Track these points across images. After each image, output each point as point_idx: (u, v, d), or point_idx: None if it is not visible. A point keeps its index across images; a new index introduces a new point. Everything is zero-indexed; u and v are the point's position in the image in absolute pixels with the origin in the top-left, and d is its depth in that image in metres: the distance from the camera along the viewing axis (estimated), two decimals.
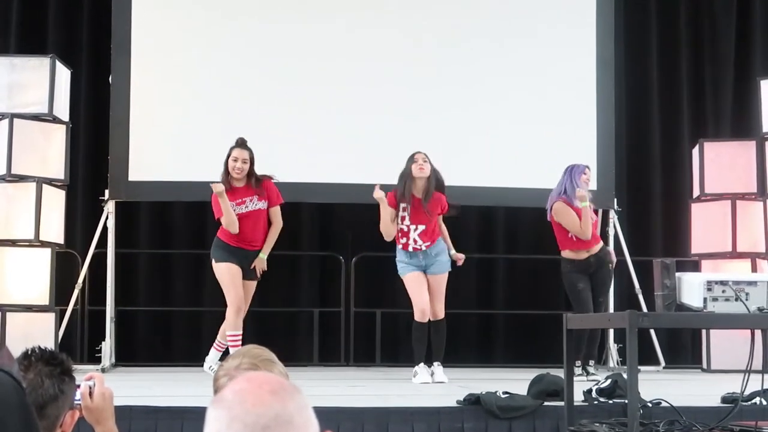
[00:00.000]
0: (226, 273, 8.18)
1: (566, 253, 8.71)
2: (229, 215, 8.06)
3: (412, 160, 8.23)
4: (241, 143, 8.23)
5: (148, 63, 9.95)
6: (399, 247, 8.27)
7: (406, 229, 8.22)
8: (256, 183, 8.18)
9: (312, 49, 10.11)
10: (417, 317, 8.16)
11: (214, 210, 8.20)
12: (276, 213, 8.31)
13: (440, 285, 8.25)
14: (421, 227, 8.19)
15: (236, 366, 3.06)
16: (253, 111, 9.91)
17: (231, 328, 8.11)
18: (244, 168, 8.15)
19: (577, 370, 8.32)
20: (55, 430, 2.73)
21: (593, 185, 9.57)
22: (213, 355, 8.36)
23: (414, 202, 8.19)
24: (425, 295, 8.17)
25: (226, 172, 8.17)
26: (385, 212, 8.20)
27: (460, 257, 8.43)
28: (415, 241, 8.19)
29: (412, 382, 7.95)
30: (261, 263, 8.20)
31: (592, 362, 8.68)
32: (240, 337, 8.12)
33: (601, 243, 8.89)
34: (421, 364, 8.13)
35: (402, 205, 8.19)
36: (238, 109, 9.87)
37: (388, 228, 8.22)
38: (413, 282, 8.22)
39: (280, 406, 1.83)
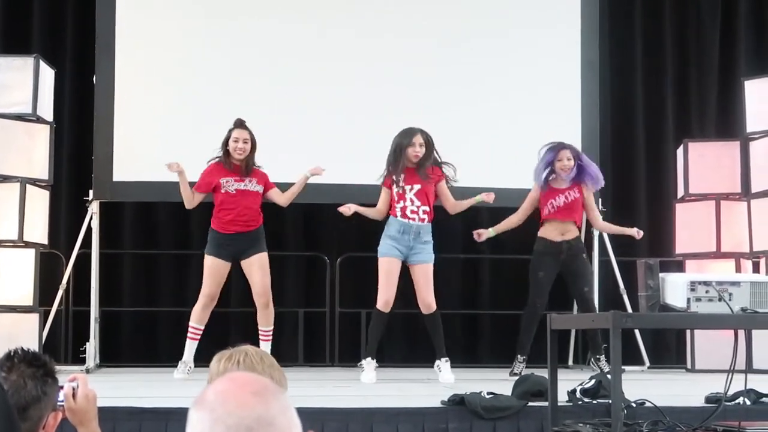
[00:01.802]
0: (209, 266, 8.22)
1: (541, 231, 8.83)
2: (186, 195, 8.18)
3: (409, 142, 8.09)
4: (240, 123, 8.25)
5: (133, 63, 9.93)
6: (390, 218, 8.10)
7: (401, 191, 8.08)
8: (251, 167, 8.21)
9: (301, 50, 10.11)
10: (380, 306, 8.02)
11: (200, 182, 8.25)
12: (277, 191, 8.42)
13: (428, 274, 8.09)
14: (417, 186, 8.05)
15: (231, 364, 3.05)
16: (239, 111, 9.85)
17: (194, 320, 8.20)
18: (245, 148, 8.17)
19: (601, 366, 8.43)
20: None
21: None
22: (263, 347, 8.29)
23: (408, 169, 8.10)
24: (394, 287, 8.02)
25: (226, 153, 8.14)
26: (369, 213, 8.20)
27: (490, 196, 8.33)
28: (411, 202, 8.03)
29: (360, 380, 7.93)
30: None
31: (602, 357, 8.76)
32: (200, 331, 8.27)
33: (578, 232, 8.91)
34: (369, 359, 8.05)
35: (395, 175, 8.10)
36: (223, 109, 9.83)
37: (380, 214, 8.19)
38: (388, 269, 8.02)
39: (262, 407, 1.82)
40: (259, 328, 8.32)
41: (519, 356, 8.80)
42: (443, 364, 8.04)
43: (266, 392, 1.86)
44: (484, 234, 8.92)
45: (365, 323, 10.68)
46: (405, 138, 8.12)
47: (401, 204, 8.06)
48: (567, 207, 8.80)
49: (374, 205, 8.30)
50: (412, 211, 8.04)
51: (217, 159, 8.33)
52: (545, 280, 8.77)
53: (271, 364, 3.05)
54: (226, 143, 8.25)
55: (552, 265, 8.76)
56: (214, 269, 8.18)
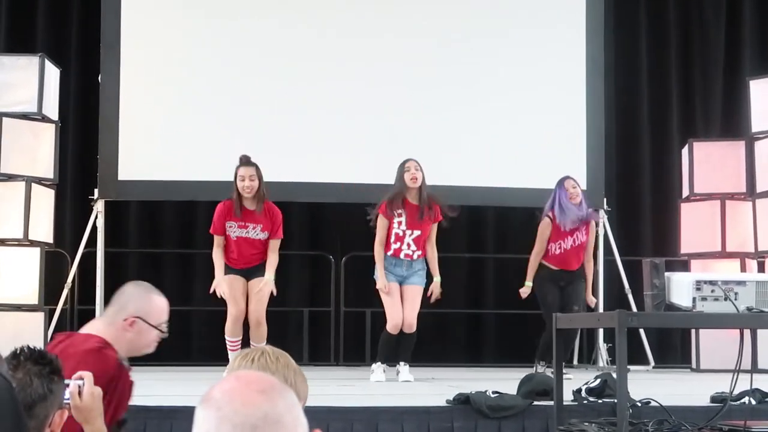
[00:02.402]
0: (225, 287, 8.06)
1: (544, 261, 8.81)
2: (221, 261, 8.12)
3: (403, 168, 8.13)
4: (246, 161, 8.03)
5: (138, 62, 9.94)
6: (387, 253, 8.18)
7: (401, 234, 8.13)
8: (262, 207, 7.99)
9: (302, 50, 10.11)
10: (390, 329, 8.13)
11: (214, 224, 8.15)
12: (275, 246, 8.14)
13: (417, 295, 8.19)
14: (417, 233, 8.11)
15: (246, 362, 3.06)
16: (243, 110, 9.91)
17: (229, 334, 8.08)
18: (253, 186, 7.97)
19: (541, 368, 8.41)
20: (44, 430, 2.72)
21: (582, 185, 9.58)
22: None
23: (409, 208, 8.12)
24: (400, 308, 8.10)
25: (237, 193, 8.03)
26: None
27: (436, 293, 8.27)
28: (408, 246, 8.12)
29: (369, 380, 7.98)
30: (269, 286, 8.01)
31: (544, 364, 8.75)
32: (238, 342, 8.12)
33: (581, 267, 8.89)
34: (379, 364, 8.13)
35: (398, 211, 8.10)
36: (228, 109, 9.86)
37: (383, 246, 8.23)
38: (389, 293, 8.15)
39: (269, 405, 1.82)
40: (252, 343, 8.19)
41: (542, 362, 8.72)
42: (402, 368, 8.13)
43: (272, 390, 1.86)
44: (525, 292, 8.94)
45: (370, 322, 10.69)
46: (399, 170, 8.16)
47: (397, 245, 8.14)
48: (574, 250, 8.76)
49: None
50: (407, 255, 8.15)
51: (229, 198, 8.18)
52: (555, 302, 8.74)
53: (287, 365, 3.04)
54: (234, 181, 8.04)
55: (555, 288, 8.78)
56: (231, 286, 8.11)
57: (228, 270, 8.14)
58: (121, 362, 3.75)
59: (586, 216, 8.75)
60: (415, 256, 8.15)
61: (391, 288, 8.14)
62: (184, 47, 10.09)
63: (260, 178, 8.05)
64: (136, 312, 3.84)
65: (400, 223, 8.12)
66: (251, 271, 8.12)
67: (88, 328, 3.90)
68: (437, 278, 8.26)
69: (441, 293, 8.30)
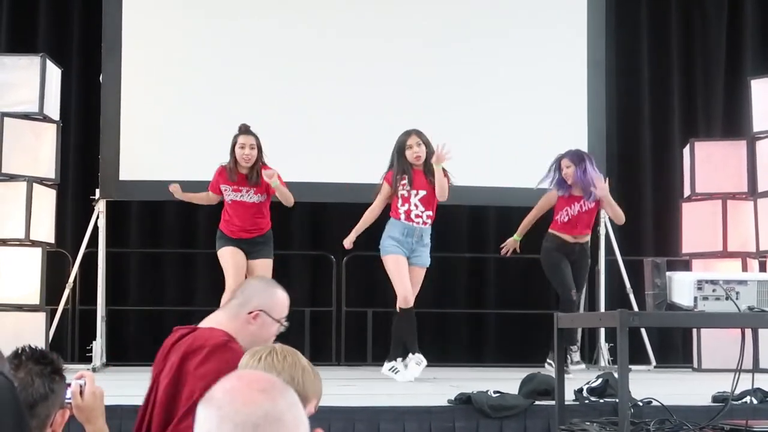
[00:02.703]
0: (225, 255, 8.12)
1: (552, 231, 8.81)
2: (196, 200, 8.32)
3: (404, 146, 8.06)
4: (245, 129, 8.15)
5: (139, 62, 9.94)
6: (393, 220, 8.06)
7: (406, 194, 8.01)
8: (256, 177, 8.06)
9: (303, 50, 10.11)
10: (402, 304, 7.96)
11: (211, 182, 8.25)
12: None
13: (420, 278, 8.12)
14: (422, 192, 8.01)
15: (253, 361, 3.07)
16: (245, 110, 9.88)
17: None
18: (252, 154, 8.05)
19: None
20: (46, 429, 2.73)
21: None
22: None
23: (414, 171, 8.05)
24: (408, 281, 7.97)
25: (234, 161, 8.09)
26: (367, 223, 8.17)
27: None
28: (416, 206, 7.99)
29: (396, 381, 7.85)
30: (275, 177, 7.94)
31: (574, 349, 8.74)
32: None
33: (589, 235, 8.91)
34: (400, 360, 8.00)
35: (399, 176, 8.02)
36: (229, 109, 9.85)
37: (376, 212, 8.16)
38: (397, 265, 7.99)
39: (270, 404, 1.83)
40: None
41: (571, 347, 8.76)
42: (399, 364, 8.00)
43: (273, 389, 1.86)
44: (510, 245, 8.90)
45: (371, 322, 10.70)
46: (401, 143, 8.11)
47: (405, 207, 8.03)
48: (582, 216, 8.74)
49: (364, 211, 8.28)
50: (417, 215, 8.03)
51: (226, 163, 8.23)
52: (567, 270, 8.72)
53: (294, 364, 3.05)
54: (233, 149, 8.15)
55: (565, 259, 8.76)
56: (231, 257, 8.06)
57: (228, 241, 8.14)
58: None
59: (588, 196, 8.72)
60: (425, 218, 8.01)
61: (398, 259, 7.99)
62: (185, 47, 10.09)
63: (259, 147, 8.11)
64: (260, 306, 3.93)
65: (404, 185, 8.02)
66: (251, 244, 8.13)
67: (210, 322, 4.00)
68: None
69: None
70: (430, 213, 8.07)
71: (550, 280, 9.00)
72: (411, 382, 7.82)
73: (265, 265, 8.21)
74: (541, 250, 8.88)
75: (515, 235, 8.99)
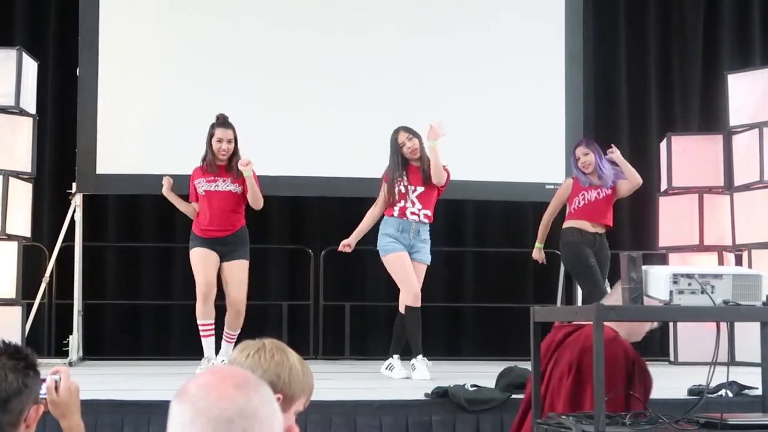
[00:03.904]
0: (195, 257, 7.93)
1: (569, 223, 8.66)
2: (181, 207, 8.09)
3: (397, 143, 7.96)
4: (223, 121, 7.97)
5: (116, 55, 9.90)
6: (386, 217, 7.93)
7: (404, 190, 7.88)
8: (234, 167, 7.90)
9: (281, 44, 10.09)
10: (410, 302, 7.73)
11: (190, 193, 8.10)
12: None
13: (422, 275, 7.96)
14: (420, 189, 7.90)
15: (242, 356, 3.06)
16: (222, 104, 9.83)
17: (199, 317, 7.87)
18: (229, 149, 7.88)
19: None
20: (19, 425, 2.71)
21: (561, 179, 9.59)
22: (225, 348, 7.98)
23: (411, 169, 7.95)
24: (415, 278, 7.81)
25: (211, 153, 7.94)
26: (369, 224, 8.08)
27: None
28: (413, 203, 7.87)
29: (393, 378, 7.76)
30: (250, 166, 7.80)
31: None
32: (211, 327, 7.94)
33: (607, 227, 8.80)
34: (396, 357, 7.90)
35: (397, 173, 7.92)
36: (206, 102, 9.81)
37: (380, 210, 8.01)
38: (401, 262, 7.82)
39: (243, 399, 1.83)
40: (226, 329, 8.01)
41: None
42: (395, 361, 7.89)
43: (247, 385, 1.86)
44: (538, 256, 8.82)
45: (349, 316, 10.69)
46: (393, 142, 8.01)
47: (402, 204, 7.89)
48: (600, 202, 8.66)
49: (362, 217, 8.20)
50: (413, 213, 7.90)
51: (201, 162, 8.09)
52: (596, 266, 8.51)
53: (281, 362, 3.04)
54: (209, 141, 7.99)
55: (591, 253, 8.56)
56: (201, 257, 7.87)
57: (199, 242, 7.97)
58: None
59: (606, 183, 8.64)
60: (421, 216, 7.89)
61: (400, 256, 7.82)
62: (162, 40, 10.06)
63: (236, 140, 7.99)
64: None
65: (400, 180, 7.90)
66: (224, 244, 7.94)
67: None
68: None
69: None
70: (428, 212, 7.95)
71: (576, 279, 8.86)
72: (392, 378, 7.78)
73: (240, 267, 7.98)
74: (561, 246, 8.73)
75: (537, 243, 8.79)
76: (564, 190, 8.76)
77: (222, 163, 7.95)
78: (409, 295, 7.78)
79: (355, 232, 8.13)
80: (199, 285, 7.89)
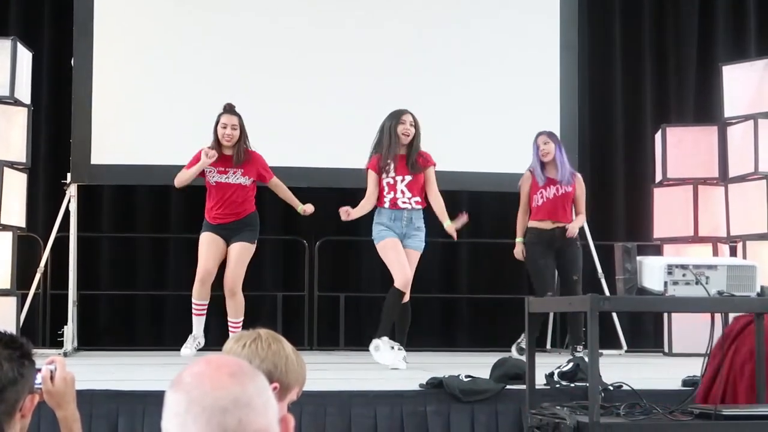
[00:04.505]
0: (201, 242, 8.04)
1: (530, 223, 8.71)
2: (184, 175, 8.01)
3: (398, 120, 7.88)
4: (229, 109, 8.01)
5: (111, 45, 9.89)
6: (379, 209, 7.88)
7: (392, 181, 7.84)
8: (243, 156, 7.95)
9: (275, 36, 10.09)
10: (399, 285, 7.71)
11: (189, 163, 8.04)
12: (276, 183, 8.24)
13: (414, 262, 7.91)
14: (408, 178, 7.85)
15: (238, 346, 3.07)
16: (217, 95, 9.82)
17: (195, 296, 8.04)
18: (234, 135, 7.92)
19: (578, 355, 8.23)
20: (15, 414, 2.72)
21: None
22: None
23: (398, 157, 7.90)
24: (407, 263, 7.77)
25: (217, 141, 7.97)
26: (364, 209, 8.04)
27: (453, 231, 7.96)
28: (402, 193, 7.82)
29: (373, 358, 7.73)
30: (309, 208, 8.18)
31: (579, 347, 8.56)
32: (204, 307, 8.10)
33: (571, 218, 8.82)
34: (386, 338, 7.81)
35: (384, 161, 7.86)
36: (202, 93, 9.82)
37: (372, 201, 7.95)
38: (393, 249, 7.79)
39: (239, 389, 1.83)
40: (228, 319, 8.09)
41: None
42: (398, 352, 7.73)
43: (242, 374, 1.86)
44: (518, 252, 8.81)
45: (344, 307, 10.70)
46: (394, 118, 7.91)
47: (391, 195, 7.85)
48: (559, 199, 8.67)
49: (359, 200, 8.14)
50: (404, 202, 7.86)
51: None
52: (548, 267, 8.60)
53: (277, 351, 3.06)
54: (216, 129, 8.00)
55: (549, 253, 8.63)
56: (206, 244, 7.97)
57: (207, 227, 8.05)
58: None
59: (563, 177, 8.68)
60: (413, 204, 7.86)
61: (392, 243, 7.79)
62: (157, 30, 10.05)
63: (242, 128, 8.01)
64: None
65: (388, 171, 7.87)
66: (233, 228, 8.02)
67: None
68: (447, 222, 7.95)
69: (465, 223, 8.06)
70: (419, 199, 7.91)
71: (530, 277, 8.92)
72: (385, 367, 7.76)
73: (241, 247, 8.02)
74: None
75: (517, 239, 8.82)
76: (525, 183, 8.78)
77: (228, 152, 7.95)
78: (399, 279, 7.76)
79: (357, 208, 8.06)
80: (199, 270, 8.04)
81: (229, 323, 8.09)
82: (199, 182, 8.27)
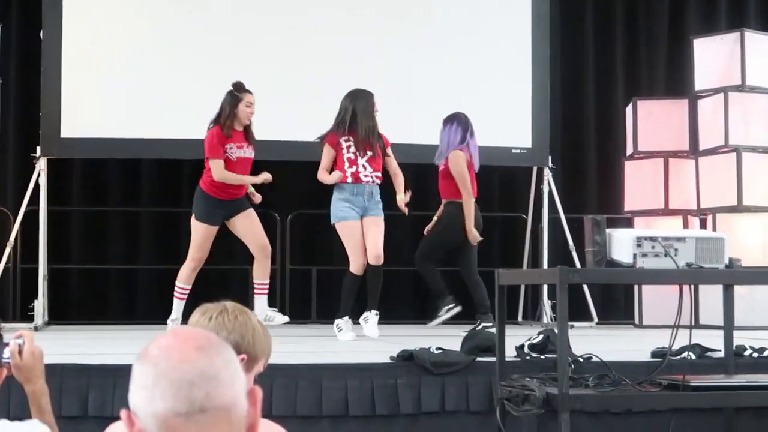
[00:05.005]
0: (200, 232, 8.06)
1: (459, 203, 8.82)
2: (233, 178, 8.02)
3: (371, 103, 7.97)
4: (245, 87, 8.11)
5: (81, 17, 9.82)
6: (341, 183, 7.90)
7: (353, 156, 7.90)
8: (249, 131, 8.10)
9: (242, 8, 10.04)
10: (355, 270, 7.87)
11: (208, 150, 7.98)
12: None
13: (381, 225, 7.97)
14: (369, 153, 7.90)
15: (204, 319, 3.07)
16: (187, 68, 9.84)
17: (182, 281, 8.10)
18: (253, 112, 8.08)
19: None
20: None
21: (527, 143, 9.67)
22: (259, 302, 8.25)
23: (355, 135, 7.93)
24: (363, 249, 7.87)
25: (233, 116, 7.98)
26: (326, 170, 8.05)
27: (404, 206, 8.05)
28: (364, 168, 7.88)
29: (338, 339, 7.86)
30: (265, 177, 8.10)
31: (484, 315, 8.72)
32: (187, 291, 8.13)
33: (449, 202, 9.04)
34: (347, 318, 7.97)
35: (343, 138, 7.91)
36: (171, 66, 9.79)
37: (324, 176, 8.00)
38: (352, 232, 7.89)
39: (206, 361, 1.82)
40: (256, 281, 8.19)
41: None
42: (372, 317, 7.92)
43: (210, 347, 1.86)
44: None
45: (315, 280, 10.70)
46: (363, 101, 7.98)
47: (353, 169, 7.89)
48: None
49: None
50: (365, 176, 7.91)
51: (212, 125, 8.05)
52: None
53: (244, 323, 3.06)
54: (234, 106, 8.00)
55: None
56: (206, 236, 8.04)
57: (212, 202, 8.04)
58: None
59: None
60: (374, 178, 7.93)
61: (353, 225, 7.90)
62: (128, 4, 9.98)
63: None
64: None
65: (349, 147, 7.91)
66: (236, 205, 8.11)
67: None
68: (400, 195, 8.03)
69: (407, 206, 8.10)
70: (379, 174, 7.98)
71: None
72: (349, 341, 7.79)
73: (253, 214, 8.23)
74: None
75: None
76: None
77: (239, 128, 7.98)
78: (355, 264, 7.88)
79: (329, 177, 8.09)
80: (194, 258, 8.12)
81: (256, 285, 8.22)
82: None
